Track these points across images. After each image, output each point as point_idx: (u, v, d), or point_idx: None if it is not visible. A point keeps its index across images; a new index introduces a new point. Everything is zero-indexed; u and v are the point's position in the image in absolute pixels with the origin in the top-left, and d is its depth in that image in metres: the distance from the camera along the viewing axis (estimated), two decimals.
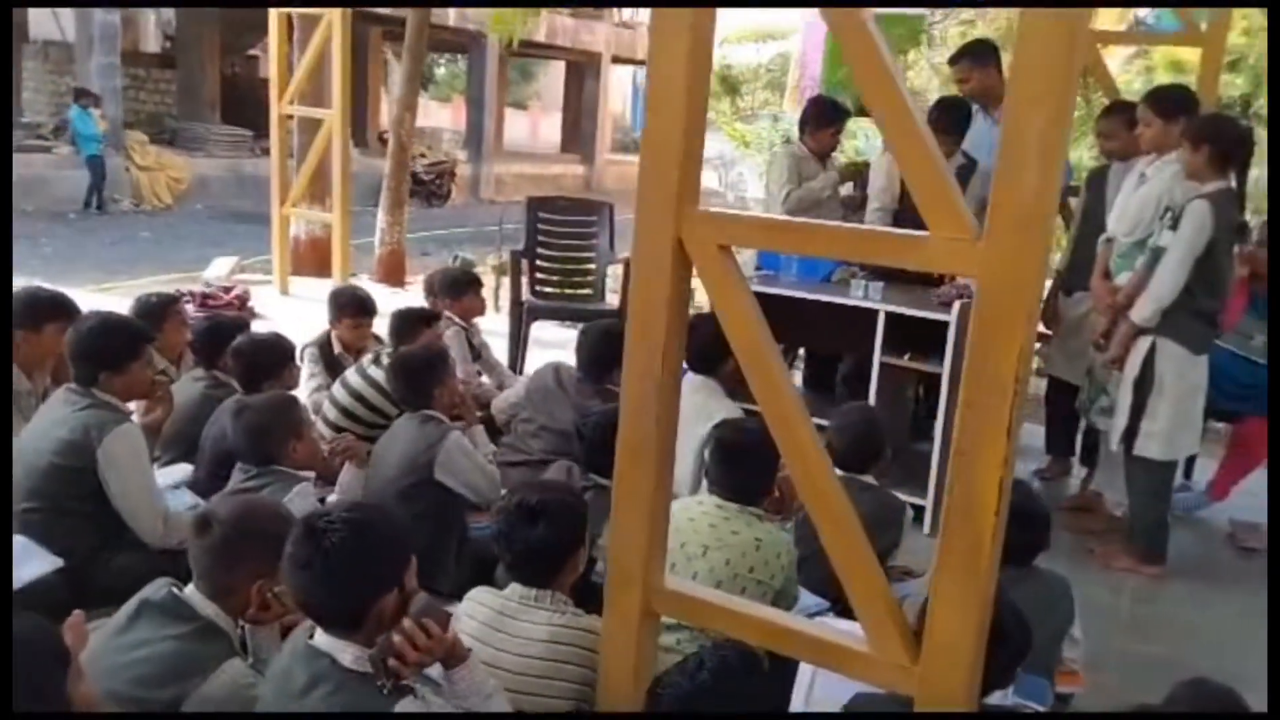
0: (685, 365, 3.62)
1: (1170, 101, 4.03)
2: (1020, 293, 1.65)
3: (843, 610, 2.40)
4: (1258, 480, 4.52)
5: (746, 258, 4.98)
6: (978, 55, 4.80)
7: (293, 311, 7.10)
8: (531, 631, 2.24)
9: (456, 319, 4.80)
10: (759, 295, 4.33)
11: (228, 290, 7.41)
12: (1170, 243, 3.63)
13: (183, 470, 3.50)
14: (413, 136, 9.46)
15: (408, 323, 4.01)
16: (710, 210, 1.92)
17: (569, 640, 2.24)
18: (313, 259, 8.81)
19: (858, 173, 5.42)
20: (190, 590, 2.13)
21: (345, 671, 1.79)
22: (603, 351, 3.84)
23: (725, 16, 26.14)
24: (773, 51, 30.21)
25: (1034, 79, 1.59)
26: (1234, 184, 3.64)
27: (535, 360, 5.74)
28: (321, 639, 1.83)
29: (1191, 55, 7.31)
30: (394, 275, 9.40)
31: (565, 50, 21.66)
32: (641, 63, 26.45)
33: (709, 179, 24.02)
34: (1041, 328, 5.23)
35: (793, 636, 1.99)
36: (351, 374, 4.02)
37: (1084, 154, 8.51)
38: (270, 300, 7.72)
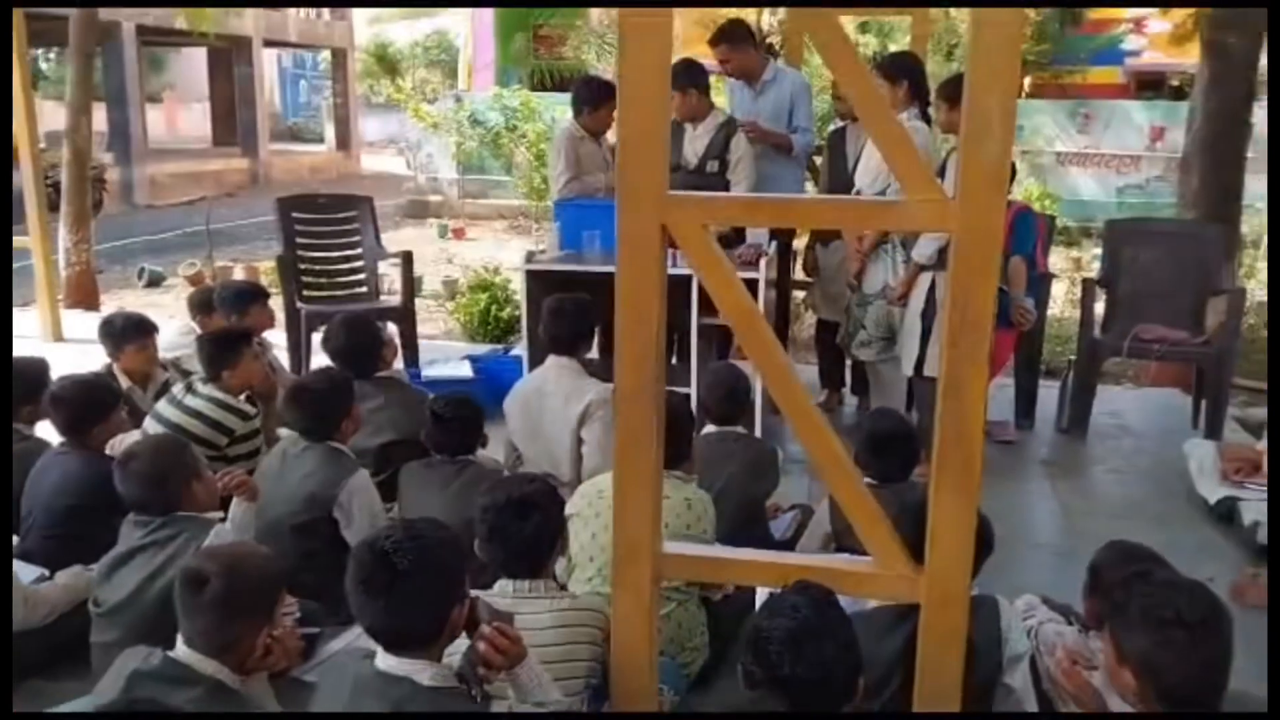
0: (546, 348, 3.74)
1: (896, 66, 4.60)
2: (990, 243, 1.95)
3: None
4: (996, 384, 5.33)
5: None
6: (735, 38, 5.16)
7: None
8: (535, 621, 2.28)
9: None
10: (572, 275, 4.53)
11: None
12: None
13: None
14: (90, 142, 8.53)
15: (224, 346, 3.74)
16: (689, 194, 2.06)
17: (575, 621, 2.31)
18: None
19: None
20: (183, 651, 1.99)
21: (431, 690, 1.78)
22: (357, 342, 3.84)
23: None
24: (428, 28, 29.89)
25: (988, 63, 1.88)
26: None
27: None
28: (392, 663, 1.80)
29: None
30: (88, 298, 8.48)
31: (207, 36, 20.12)
32: (296, 45, 25.19)
33: (396, 163, 23.47)
34: (803, 275, 5.82)
35: (805, 571, 2.20)
36: (165, 407, 3.71)
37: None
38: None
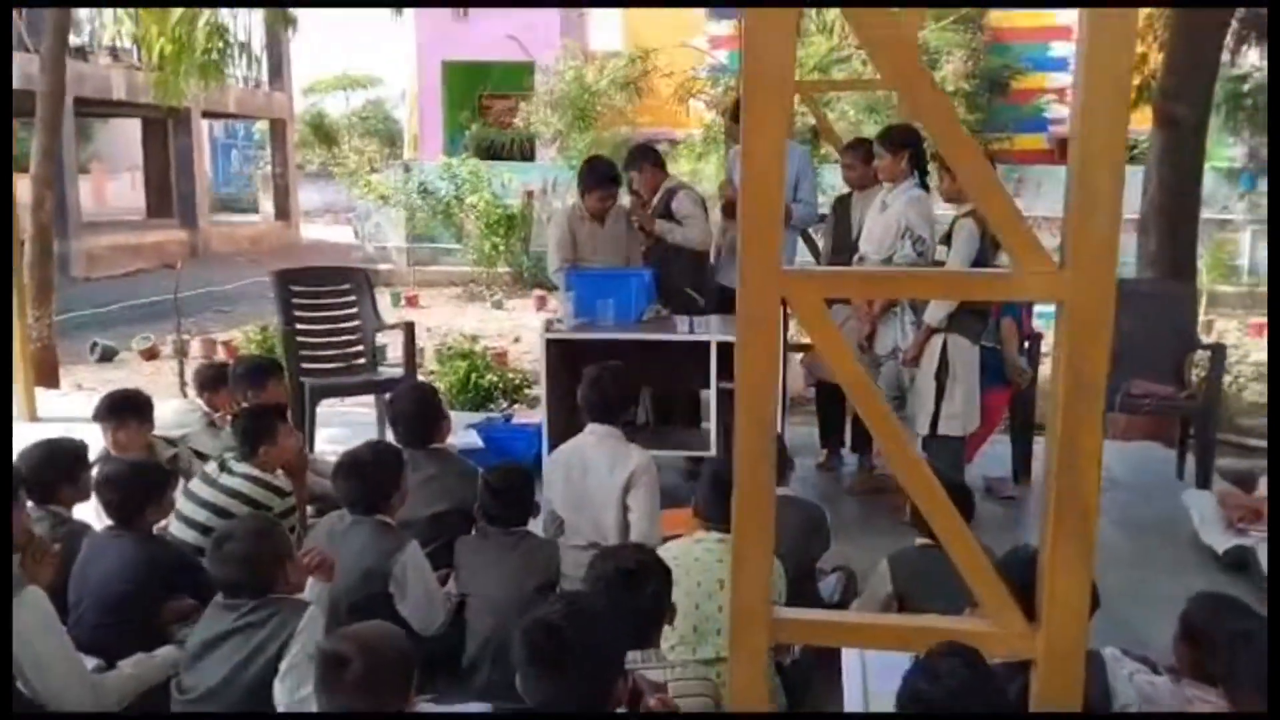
0: (587, 416, 3.77)
1: (896, 138, 4.82)
2: (1102, 311, 2.06)
3: None
4: (992, 442, 5.50)
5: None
6: None
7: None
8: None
9: None
10: (598, 342, 4.59)
11: None
12: (949, 256, 4.37)
13: None
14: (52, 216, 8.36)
15: (261, 422, 3.70)
16: (808, 269, 2.14)
17: (689, 692, 2.33)
18: None
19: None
20: None
21: None
22: (423, 411, 3.84)
23: (314, 67, 25.28)
24: (362, 99, 29.99)
25: (1097, 141, 2.01)
26: None
27: (325, 442, 5.45)
28: None
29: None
30: (50, 375, 8.23)
31: (143, 106, 19.91)
32: (235, 116, 25.01)
33: (336, 231, 23.31)
34: (805, 339, 5.95)
35: (917, 632, 2.26)
36: (201, 487, 3.64)
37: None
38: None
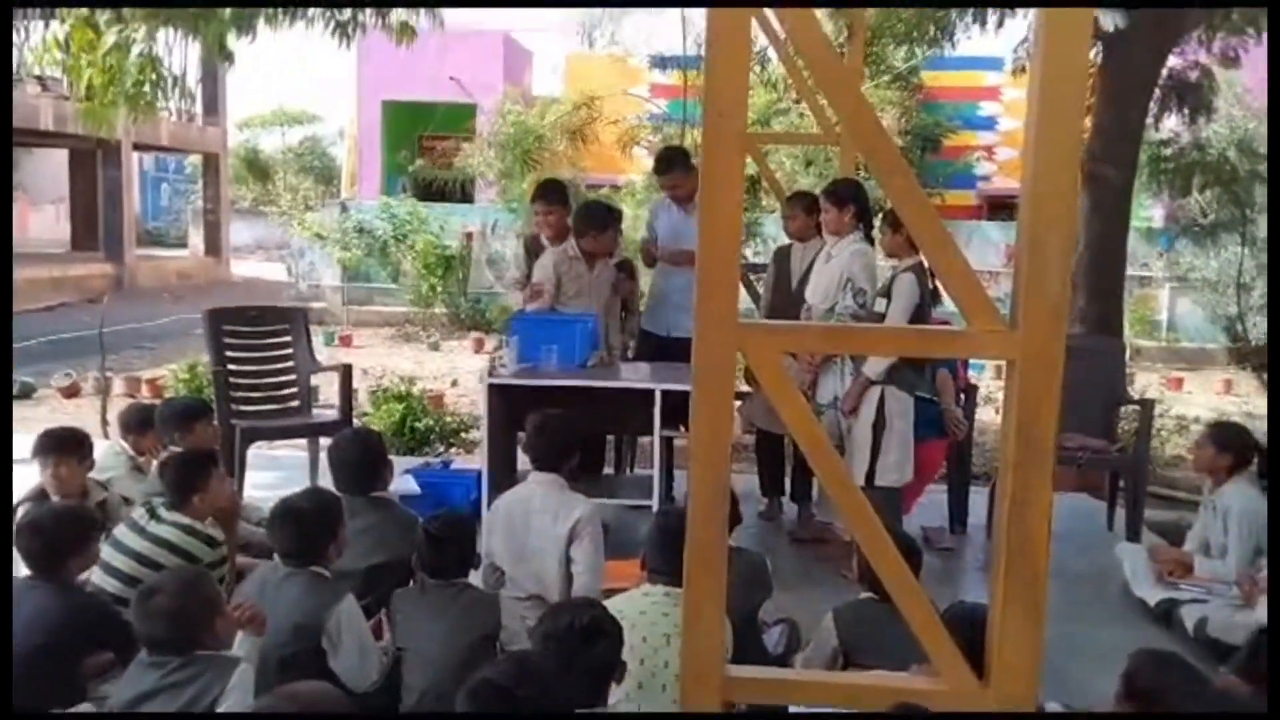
0: (531, 464, 3.72)
1: (842, 191, 4.89)
2: (1051, 371, 2.09)
3: None
4: (929, 492, 5.55)
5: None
6: (686, 164, 5.40)
7: None
8: None
9: None
10: (547, 389, 4.53)
11: None
12: (889, 309, 4.43)
13: None
14: None
15: (193, 469, 3.56)
16: (765, 323, 2.14)
17: None
18: None
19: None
20: None
21: None
22: (365, 458, 3.75)
23: (251, 101, 25.24)
24: (299, 135, 29.69)
25: (1047, 209, 2.05)
26: (924, 260, 4.54)
27: (255, 488, 5.29)
28: None
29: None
30: None
31: (71, 137, 19.45)
32: (167, 149, 24.54)
33: (267, 268, 22.88)
34: (743, 385, 5.97)
35: (867, 690, 2.24)
36: (127, 535, 3.48)
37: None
38: None
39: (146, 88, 9.22)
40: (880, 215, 4.78)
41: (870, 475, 4.60)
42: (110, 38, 7.83)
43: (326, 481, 5.21)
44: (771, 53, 9.94)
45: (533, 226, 5.59)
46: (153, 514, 3.50)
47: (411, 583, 3.43)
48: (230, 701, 2.37)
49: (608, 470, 5.75)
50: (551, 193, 5.39)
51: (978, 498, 5.64)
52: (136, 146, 20.96)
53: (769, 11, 4.33)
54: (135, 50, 8.88)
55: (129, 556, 3.39)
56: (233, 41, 6.65)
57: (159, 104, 10.90)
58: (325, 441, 5.52)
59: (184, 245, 26.33)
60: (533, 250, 5.36)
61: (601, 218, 5.25)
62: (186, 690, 2.39)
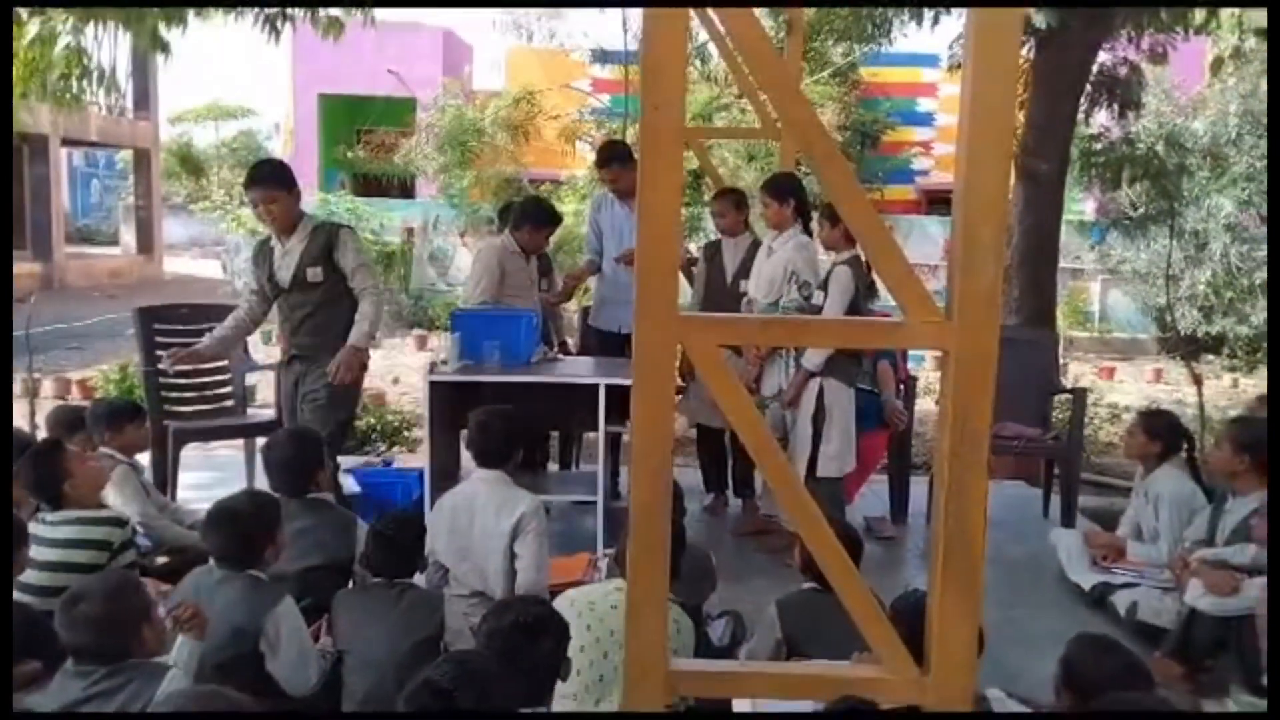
0: (475, 460, 3.69)
1: (781, 186, 4.92)
2: (986, 360, 2.11)
3: None
4: (871, 483, 5.62)
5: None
6: (626, 158, 5.39)
7: None
8: None
9: (120, 455, 4.22)
10: (490, 385, 4.49)
11: None
12: (826, 302, 4.47)
13: None
14: None
15: (46, 463, 3.43)
16: (704, 315, 2.14)
17: None
18: None
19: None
20: None
21: None
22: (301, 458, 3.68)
23: (183, 96, 24.72)
24: (233, 130, 29.14)
25: (978, 199, 2.07)
26: (860, 253, 4.59)
27: (190, 489, 5.18)
28: None
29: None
30: None
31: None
32: (96, 144, 23.86)
33: (201, 266, 22.39)
34: (679, 380, 5.98)
35: (810, 681, 2.25)
36: (37, 549, 3.36)
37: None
38: None
39: (73, 81, 8.96)
40: (818, 209, 4.81)
41: (812, 466, 4.64)
42: (32, 29, 7.59)
43: (264, 483, 5.15)
44: (713, 48, 9.98)
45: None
46: (43, 521, 3.40)
47: (351, 583, 3.39)
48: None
49: (553, 467, 5.74)
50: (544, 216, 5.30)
51: (918, 487, 5.71)
52: (65, 142, 20.39)
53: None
54: (61, 43, 8.62)
55: (42, 570, 3.28)
56: (165, 33, 6.48)
57: (87, 98, 10.62)
58: (262, 441, 5.48)
59: (115, 243, 25.67)
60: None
61: (539, 214, 5.24)
62: (115, 698, 2.33)
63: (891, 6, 7.54)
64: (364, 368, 4.38)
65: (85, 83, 8.97)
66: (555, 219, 5.28)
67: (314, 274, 4.37)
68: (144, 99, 21.94)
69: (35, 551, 3.29)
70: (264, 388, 6.34)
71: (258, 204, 4.41)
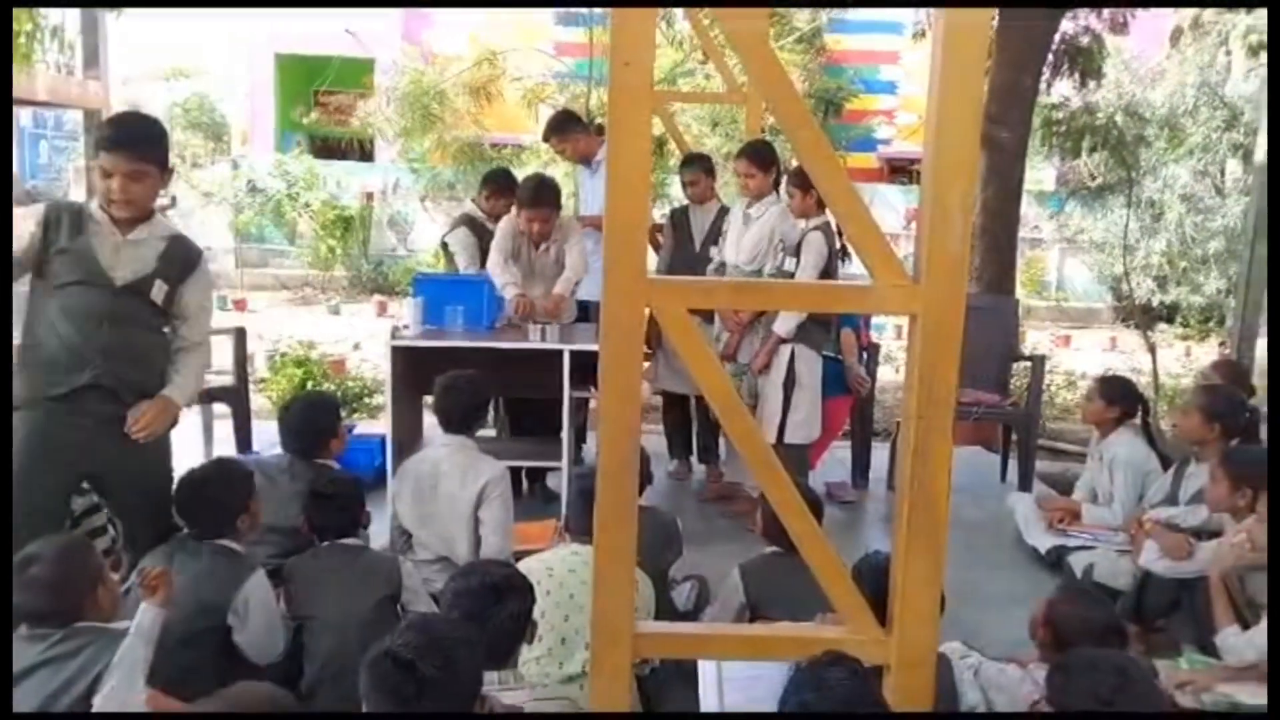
0: (440, 426, 3.66)
1: (764, 154, 4.86)
2: (953, 324, 2.13)
3: None
4: (833, 449, 5.66)
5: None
6: (561, 129, 5.43)
7: None
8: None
9: None
10: (449, 350, 4.45)
11: None
12: (797, 268, 4.47)
13: None
14: None
15: None
16: (673, 278, 2.12)
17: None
18: None
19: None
20: None
21: None
22: (317, 424, 3.66)
23: (134, 55, 24.35)
24: (186, 90, 28.40)
25: (947, 164, 2.07)
26: (830, 219, 4.58)
27: None
28: None
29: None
30: None
31: None
32: (46, 104, 23.15)
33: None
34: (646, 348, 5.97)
35: (775, 642, 2.27)
36: None
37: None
38: None
39: (23, 39, 8.67)
40: (785, 176, 4.79)
41: (780, 433, 4.66)
42: None
43: (219, 449, 5.08)
44: (677, 11, 9.87)
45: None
46: None
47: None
48: (114, 680, 2.28)
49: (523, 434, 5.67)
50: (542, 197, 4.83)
51: (879, 453, 5.78)
52: (14, 102, 19.79)
53: None
54: None
55: None
56: None
57: (36, 57, 10.29)
58: (219, 409, 5.39)
59: None
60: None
61: (506, 184, 5.18)
62: (70, 664, 2.30)
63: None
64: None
65: (37, 40, 8.70)
66: (511, 184, 5.16)
67: (159, 291, 3.16)
68: (94, 58, 21.34)
69: None
70: (219, 353, 6.22)
71: (115, 173, 3.03)
